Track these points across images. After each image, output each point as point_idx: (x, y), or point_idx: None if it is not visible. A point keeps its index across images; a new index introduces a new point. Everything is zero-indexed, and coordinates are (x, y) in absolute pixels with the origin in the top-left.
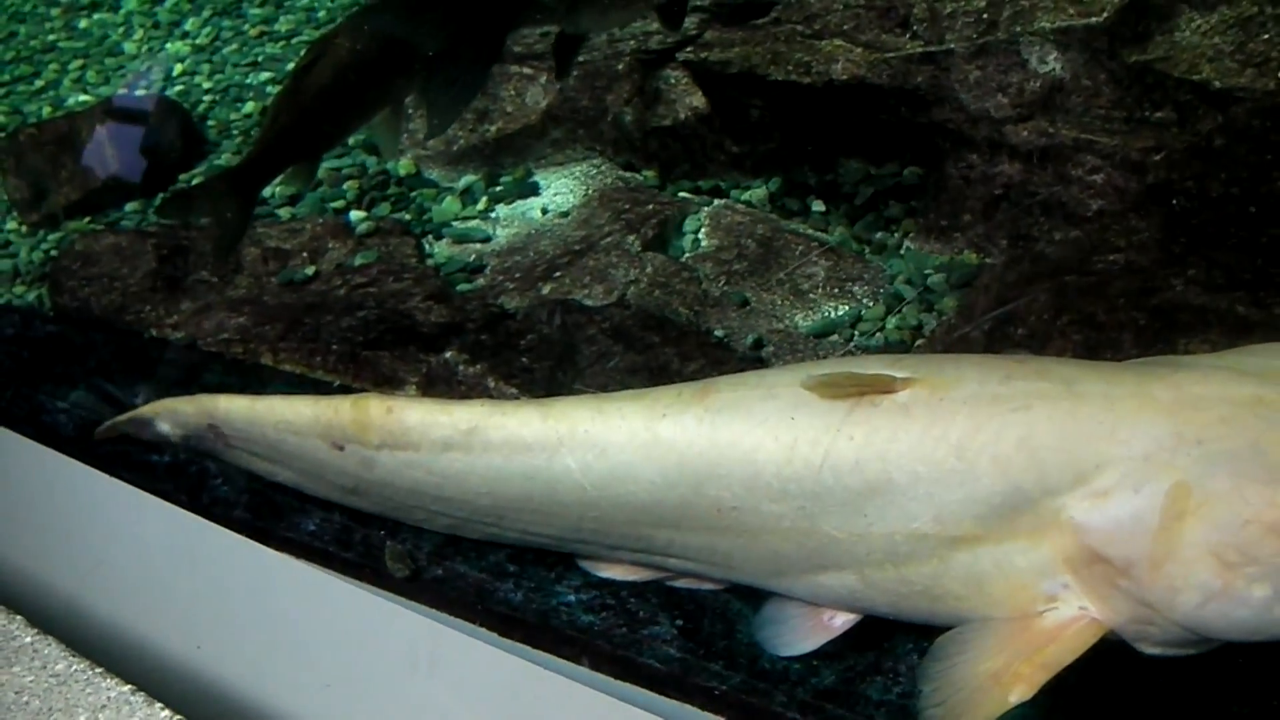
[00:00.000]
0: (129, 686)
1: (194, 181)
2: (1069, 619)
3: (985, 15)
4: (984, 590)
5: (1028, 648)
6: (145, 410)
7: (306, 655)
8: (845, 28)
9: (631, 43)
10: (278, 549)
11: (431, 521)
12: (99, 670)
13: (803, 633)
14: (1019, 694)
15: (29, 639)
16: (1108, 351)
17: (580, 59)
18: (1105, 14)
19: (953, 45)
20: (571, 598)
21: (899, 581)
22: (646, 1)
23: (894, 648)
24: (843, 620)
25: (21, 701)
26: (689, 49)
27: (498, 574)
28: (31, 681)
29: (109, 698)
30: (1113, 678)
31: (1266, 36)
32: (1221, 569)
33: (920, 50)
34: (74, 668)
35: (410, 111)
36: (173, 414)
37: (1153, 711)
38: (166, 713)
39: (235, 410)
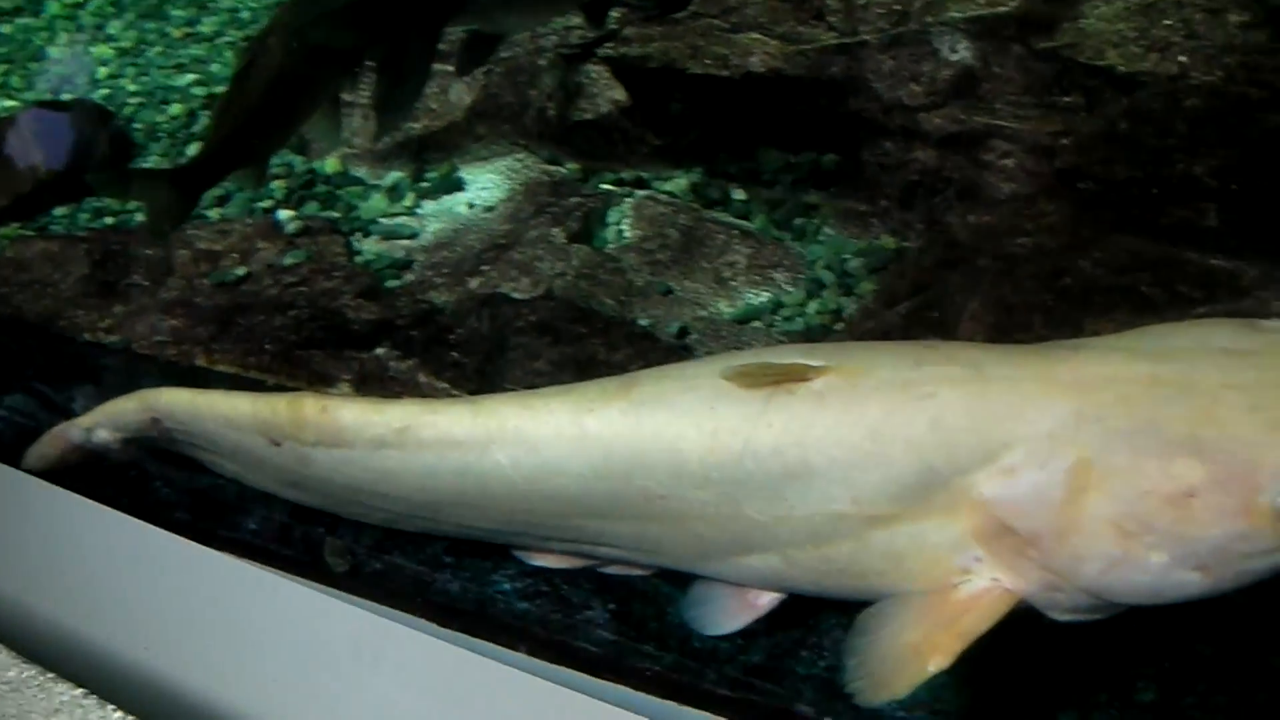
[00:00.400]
0: (80, 690)
1: (138, 165)
2: (982, 590)
3: (897, 6)
4: (902, 566)
5: (945, 619)
6: (82, 421)
7: (252, 653)
8: (761, 20)
9: (553, 38)
10: (220, 549)
11: (369, 516)
12: (50, 675)
13: (730, 612)
14: (938, 663)
15: None
16: (1019, 332)
17: (503, 55)
18: (1014, 2)
19: (866, 36)
20: (508, 586)
21: (820, 561)
22: (570, 3)
23: (818, 624)
24: (768, 599)
25: None
26: (609, 45)
27: (435, 565)
28: None
29: (61, 702)
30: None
31: (1168, 22)
32: (1122, 538)
33: (835, 42)
34: (25, 674)
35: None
36: (112, 417)
37: (1057, 672)
38: (119, 714)
39: (178, 403)
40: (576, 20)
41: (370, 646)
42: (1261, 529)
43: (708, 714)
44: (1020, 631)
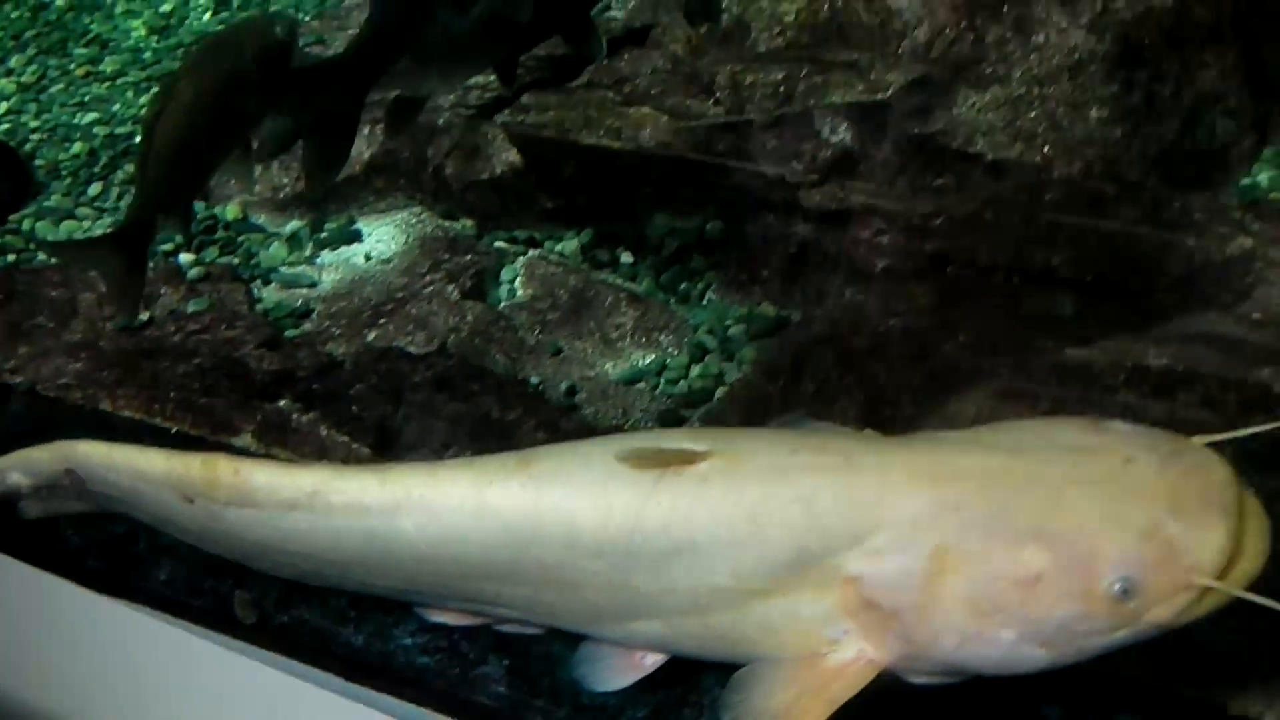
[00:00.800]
0: None
1: (89, 235)
2: (849, 659)
3: (782, 89)
4: (776, 635)
5: (814, 684)
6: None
7: (160, 708)
8: (653, 92)
9: (451, 98)
10: (130, 599)
11: (277, 571)
12: None
13: (617, 671)
14: None
15: None
16: (888, 409)
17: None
18: (890, 90)
19: (752, 115)
20: (408, 641)
21: (702, 628)
22: (483, 63)
23: (699, 683)
24: (653, 660)
25: None
26: (506, 111)
27: (340, 619)
28: None
29: None
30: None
31: (1033, 114)
32: (975, 616)
33: (723, 120)
34: None
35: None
36: (25, 463)
37: None
38: None
39: (93, 455)
40: (473, 81)
41: (281, 703)
42: (1100, 612)
43: None
44: (883, 696)
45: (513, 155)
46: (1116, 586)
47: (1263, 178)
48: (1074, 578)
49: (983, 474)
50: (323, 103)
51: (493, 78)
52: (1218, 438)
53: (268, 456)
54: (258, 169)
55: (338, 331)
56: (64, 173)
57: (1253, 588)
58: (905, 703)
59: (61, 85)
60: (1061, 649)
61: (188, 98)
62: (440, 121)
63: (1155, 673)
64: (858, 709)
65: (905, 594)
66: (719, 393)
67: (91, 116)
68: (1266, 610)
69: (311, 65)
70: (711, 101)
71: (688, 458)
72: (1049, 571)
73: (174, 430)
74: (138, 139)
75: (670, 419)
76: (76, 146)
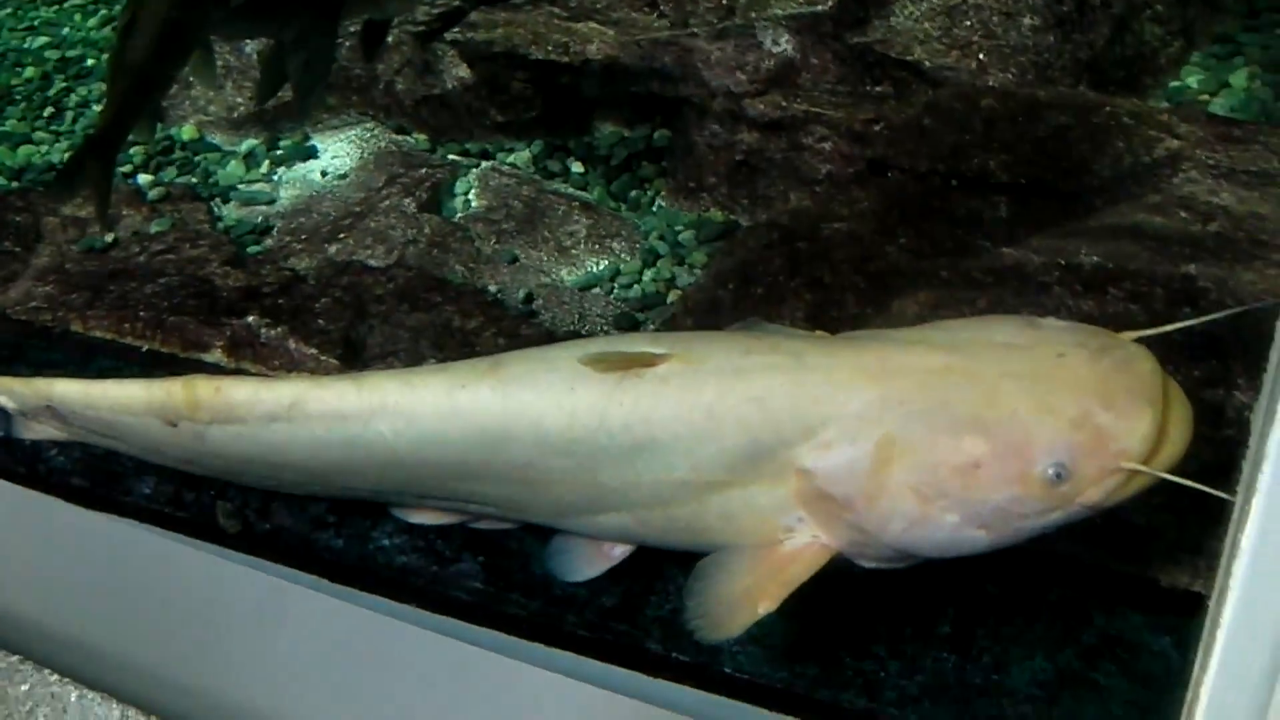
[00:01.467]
0: (16, 657)
1: (65, 159)
2: (804, 545)
3: (724, 1)
4: (735, 524)
5: (772, 569)
6: None
7: (153, 613)
8: (599, 7)
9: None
10: (119, 515)
11: (260, 483)
12: None
13: (587, 562)
14: (766, 606)
15: None
16: (834, 310)
17: (352, 29)
18: (830, 2)
19: (695, 28)
20: (386, 542)
21: (665, 519)
22: None
23: (664, 572)
24: (620, 550)
25: None
26: (456, 29)
27: (320, 525)
28: None
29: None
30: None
31: (968, 23)
32: (920, 502)
33: (667, 33)
34: None
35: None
36: (9, 391)
37: (869, 613)
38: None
39: (71, 393)
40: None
41: (269, 604)
42: (1035, 495)
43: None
44: (836, 579)
45: (463, 71)
46: (1050, 471)
47: (1191, 81)
48: (1010, 464)
49: (924, 370)
50: (302, 21)
51: None
52: (1146, 333)
53: (240, 373)
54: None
55: (299, 247)
56: (18, 97)
57: (1177, 470)
58: (857, 586)
59: (9, 9)
60: (1000, 530)
61: (157, 6)
62: (390, 39)
63: (1090, 552)
64: (814, 593)
65: (854, 483)
66: (671, 296)
67: (42, 40)
68: (1191, 490)
69: None
70: (656, 15)
71: (648, 360)
72: (987, 458)
73: (144, 349)
74: (90, 60)
75: (626, 323)
76: (29, 71)
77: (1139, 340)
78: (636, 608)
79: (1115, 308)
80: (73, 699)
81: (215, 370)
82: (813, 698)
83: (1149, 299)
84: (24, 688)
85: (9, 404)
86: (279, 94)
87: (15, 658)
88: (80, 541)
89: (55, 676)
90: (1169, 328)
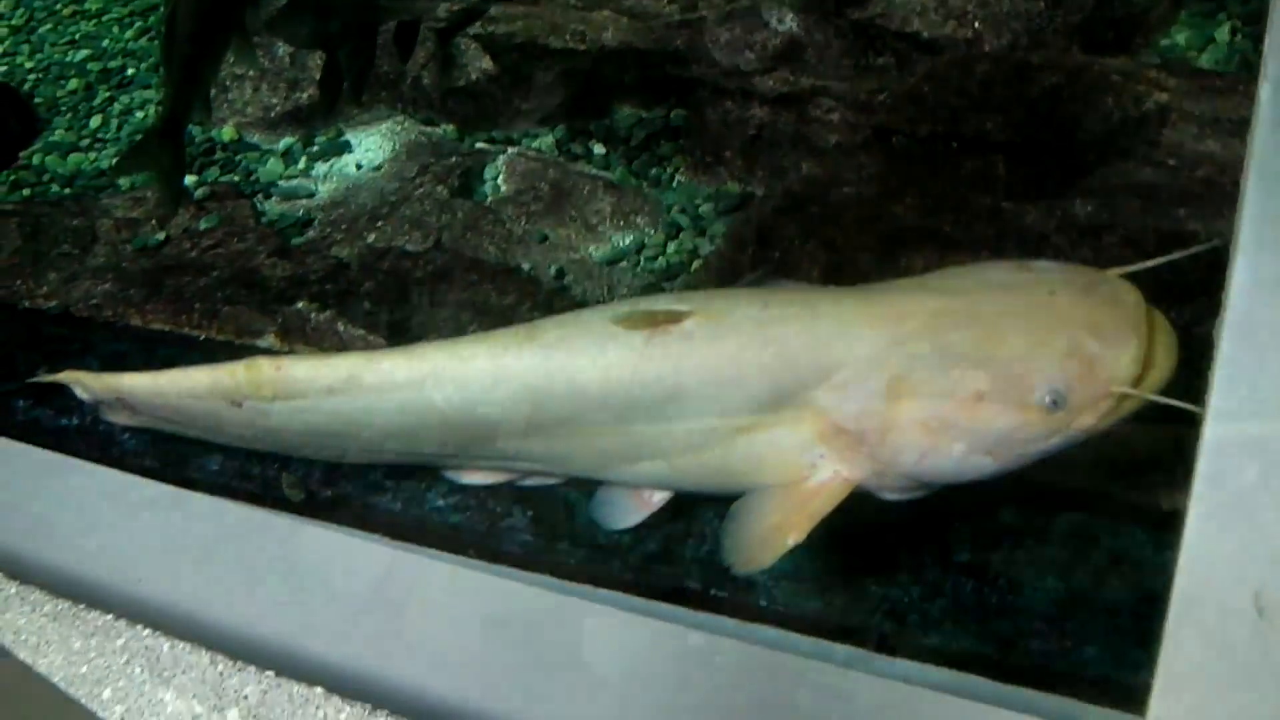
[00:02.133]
0: (110, 615)
1: (136, 140)
2: (826, 480)
3: None
4: (762, 465)
5: (798, 503)
6: (61, 377)
7: (234, 577)
8: None
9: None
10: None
11: (320, 454)
12: (81, 605)
13: (629, 509)
14: (794, 538)
15: (13, 590)
16: (847, 268)
17: (380, 29)
18: None
19: (705, 12)
20: (441, 503)
21: (697, 464)
22: None
23: (699, 516)
24: (659, 497)
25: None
26: (478, 23)
27: (378, 490)
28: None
29: (96, 626)
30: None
31: None
32: (929, 434)
33: (679, 18)
34: (60, 606)
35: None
36: (83, 384)
37: (892, 543)
38: (142, 628)
39: (139, 385)
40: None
41: (339, 563)
42: (1034, 421)
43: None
44: (859, 511)
45: (485, 63)
46: (1047, 399)
47: (1180, 38)
48: (1010, 394)
49: (928, 313)
50: (345, 16)
51: None
52: (1130, 269)
53: (296, 354)
54: (249, 91)
55: (340, 236)
56: (64, 109)
57: (1165, 393)
58: (880, 518)
59: (50, 25)
60: (1005, 456)
61: None
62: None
63: (1098, 480)
64: (839, 524)
65: (869, 419)
66: (694, 265)
67: (83, 54)
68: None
69: None
70: (667, 1)
71: (674, 317)
72: (989, 391)
73: (202, 337)
74: (130, 70)
75: (652, 292)
76: (72, 83)
77: (1123, 276)
78: (677, 551)
79: (1110, 253)
80: (165, 649)
81: (271, 354)
82: (843, 624)
83: (1141, 243)
84: (119, 641)
85: (85, 395)
86: (307, 93)
87: (109, 615)
88: (164, 515)
89: (148, 631)
90: (1150, 263)
